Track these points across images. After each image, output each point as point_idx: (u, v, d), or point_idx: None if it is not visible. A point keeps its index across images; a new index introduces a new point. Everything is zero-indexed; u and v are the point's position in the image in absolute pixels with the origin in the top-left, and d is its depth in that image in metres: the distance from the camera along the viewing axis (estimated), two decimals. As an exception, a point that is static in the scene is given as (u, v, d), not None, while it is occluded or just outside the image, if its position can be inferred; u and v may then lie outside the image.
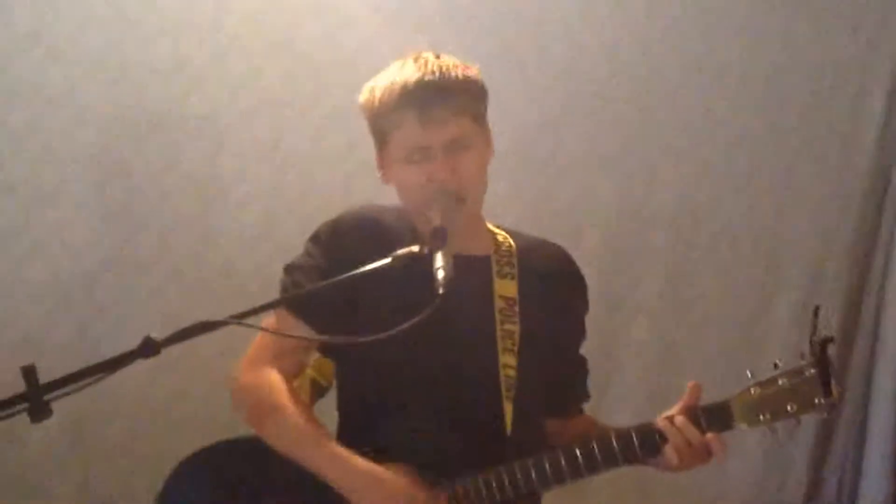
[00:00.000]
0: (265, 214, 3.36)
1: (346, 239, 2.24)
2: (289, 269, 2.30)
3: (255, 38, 3.32)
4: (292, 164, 3.37)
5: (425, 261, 1.97)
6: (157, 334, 1.78)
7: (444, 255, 1.97)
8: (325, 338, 2.17)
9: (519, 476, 2.15)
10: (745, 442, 3.56)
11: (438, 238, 2.00)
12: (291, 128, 3.36)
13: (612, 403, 3.47)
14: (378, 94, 2.22)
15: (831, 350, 2.10)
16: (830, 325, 2.11)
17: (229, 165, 3.33)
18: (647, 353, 3.57)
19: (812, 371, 2.10)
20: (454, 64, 2.23)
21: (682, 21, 3.56)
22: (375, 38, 3.36)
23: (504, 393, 2.21)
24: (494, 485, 2.15)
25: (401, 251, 1.97)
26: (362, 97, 2.27)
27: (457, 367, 2.20)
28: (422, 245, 1.99)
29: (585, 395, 2.44)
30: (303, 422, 2.16)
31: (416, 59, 2.22)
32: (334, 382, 2.37)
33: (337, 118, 3.36)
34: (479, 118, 2.25)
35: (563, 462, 2.15)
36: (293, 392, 2.23)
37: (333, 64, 3.35)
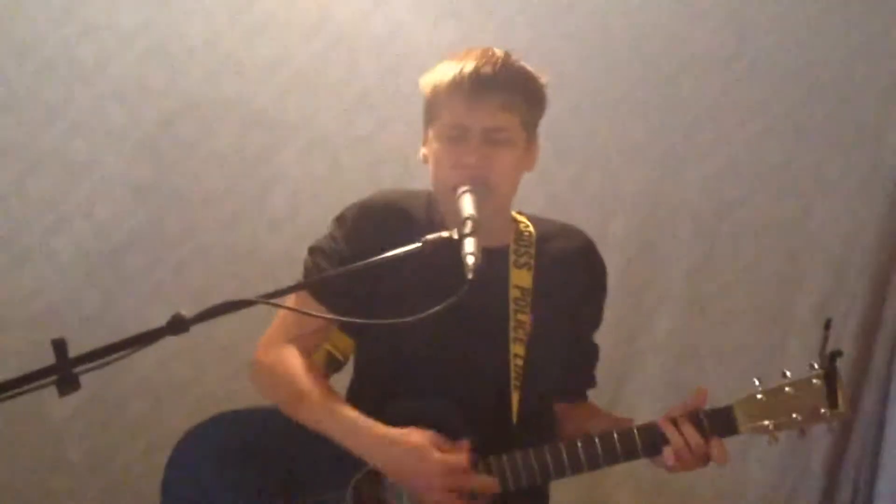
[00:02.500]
0: (292, 195, 3.36)
1: (370, 223, 2.28)
2: (312, 250, 2.34)
3: (288, 19, 3.32)
4: (320, 146, 3.38)
5: (452, 246, 1.98)
6: (184, 311, 1.79)
7: (475, 242, 1.98)
8: (349, 319, 2.19)
9: (522, 468, 2.18)
10: (761, 445, 3.55)
11: (469, 225, 2.01)
12: (321, 110, 3.36)
13: (632, 395, 3.49)
14: (438, 75, 2.25)
15: (839, 363, 2.12)
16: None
17: (257, 146, 3.34)
18: (667, 344, 3.56)
19: (819, 382, 2.12)
20: (519, 66, 2.27)
21: (713, 13, 3.54)
22: (407, 22, 3.37)
23: (512, 382, 2.25)
24: (500, 474, 2.18)
25: (431, 236, 1.98)
26: (425, 77, 2.30)
27: (469, 354, 2.25)
28: (452, 231, 2.01)
29: (591, 383, 2.49)
30: (320, 393, 2.21)
31: (484, 51, 2.26)
32: (350, 359, 2.42)
33: (367, 101, 3.37)
34: (528, 124, 2.28)
35: (563, 456, 2.19)
36: (311, 365, 2.28)
37: (365, 47, 3.36)
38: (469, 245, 1.97)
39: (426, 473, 2.14)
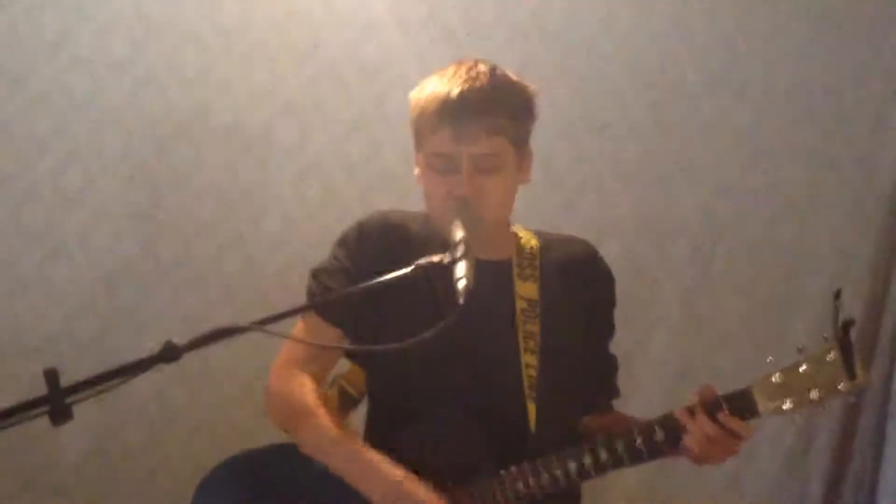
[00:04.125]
0: (286, 221, 3.37)
1: (372, 242, 2.28)
2: (316, 273, 2.33)
3: (280, 46, 3.33)
4: (314, 172, 3.38)
5: (449, 268, 1.98)
6: (178, 338, 1.79)
7: (467, 265, 1.97)
8: (348, 346, 2.22)
9: (542, 472, 2.17)
10: (763, 451, 3.55)
11: (461, 249, 2.01)
12: (313, 135, 3.37)
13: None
14: (424, 96, 2.23)
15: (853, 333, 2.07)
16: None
17: (251, 172, 3.35)
18: (664, 366, 3.56)
19: (834, 354, 2.06)
20: (505, 82, 2.24)
21: (704, 35, 3.55)
22: (399, 48, 3.38)
23: (527, 392, 2.25)
24: (519, 483, 2.17)
25: (422, 260, 1.98)
26: (414, 93, 2.28)
27: (481, 369, 2.24)
28: (444, 254, 2.00)
29: (614, 392, 2.47)
30: (334, 428, 2.19)
31: (469, 69, 2.22)
32: (364, 393, 2.40)
33: (359, 126, 3.38)
34: (519, 141, 2.26)
35: (586, 459, 2.17)
36: (323, 398, 2.26)
37: (356, 73, 3.37)
38: (460, 269, 1.96)
39: None
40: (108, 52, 3.24)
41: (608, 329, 2.44)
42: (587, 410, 2.41)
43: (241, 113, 3.33)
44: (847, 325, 2.06)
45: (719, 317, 3.60)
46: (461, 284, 1.93)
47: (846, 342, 2.05)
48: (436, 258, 1.99)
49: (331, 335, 2.26)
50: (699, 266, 3.59)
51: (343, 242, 2.33)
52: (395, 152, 3.34)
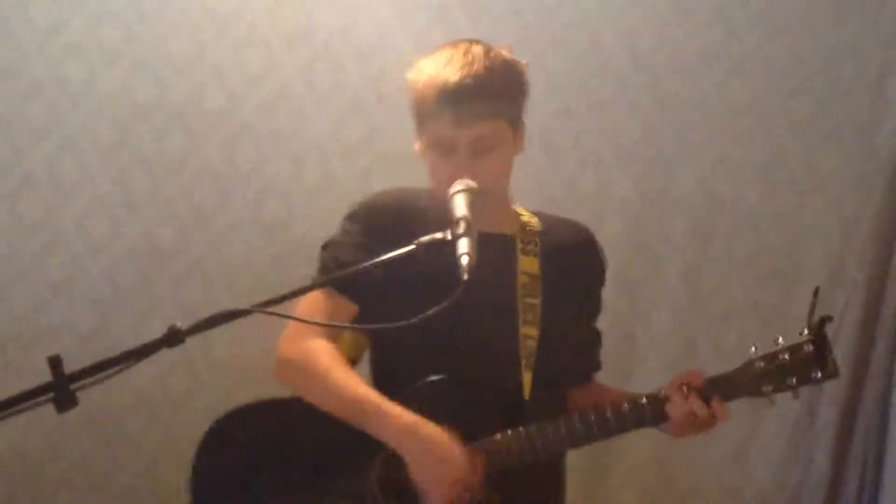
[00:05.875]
0: (284, 206, 3.36)
1: (382, 217, 2.34)
2: (328, 246, 2.38)
3: (273, 30, 3.32)
4: (311, 156, 3.37)
5: (452, 244, 2.02)
6: (180, 324, 1.78)
7: (469, 242, 2.00)
8: (353, 326, 2.31)
9: (537, 438, 2.27)
10: (768, 426, 3.55)
11: (462, 226, 2.03)
12: (309, 120, 3.36)
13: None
14: (422, 82, 2.31)
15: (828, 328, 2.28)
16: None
17: (248, 157, 3.34)
18: (667, 342, 3.55)
19: (811, 347, 2.27)
20: (501, 63, 2.31)
21: (700, 10, 3.53)
22: (393, 30, 3.36)
23: (523, 362, 2.33)
24: (517, 446, 2.26)
25: (425, 238, 2.02)
26: (411, 75, 2.35)
27: (481, 336, 2.32)
28: (446, 232, 2.03)
29: (597, 365, 2.57)
30: (349, 376, 2.27)
31: (464, 53, 2.29)
32: (355, 360, 2.44)
33: (355, 110, 3.37)
34: (514, 120, 2.35)
35: (577, 427, 2.28)
36: (339, 353, 2.32)
37: (351, 56, 3.35)
38: (463, 246, 2.00)
39: (442, 477, 2.20)
40: (101, 39, 3.23)
41: (597, 308, 2.55)
42: (572, 382, 2.51)
43: (236, 97, 3.31)
44: (823, 321, 2.28)
45: (721, 292, 3.60)
46: (464, 261, 1.97)
47: (821, 337, 2.28)
48: (438, 235, 2.02)
49: (344, 306, 2.31)
50: (700, 241, 3.58)
51: (354, 216, 2.38)
52: (392, 134, 3.32)
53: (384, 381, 2.36)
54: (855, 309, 3.52)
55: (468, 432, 2.25)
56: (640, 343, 3.52)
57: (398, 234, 2.09)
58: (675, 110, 3.54)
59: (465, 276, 1.95)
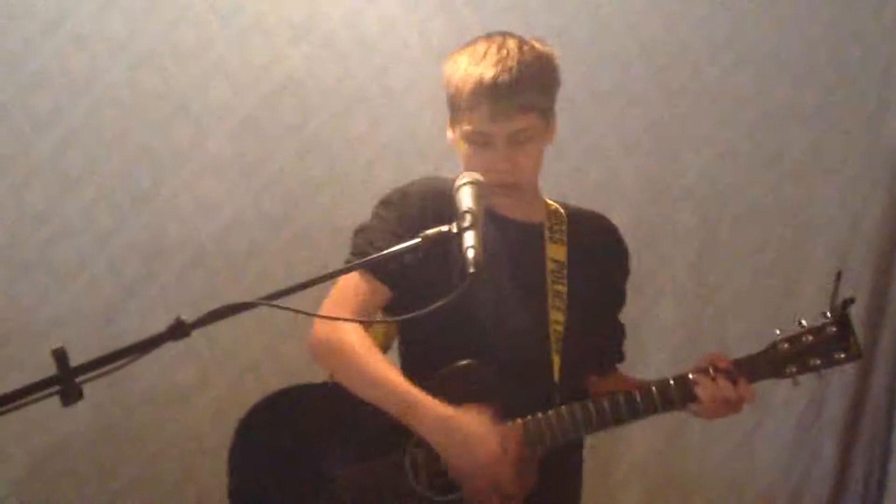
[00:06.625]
0: (288, 198, 3.34)
1: (415, 205, 2.38)
2: (361, 230, 2.43)
3: (278, 21, 3.30)
4: (315, 148, 3.36)
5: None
6: (185, 317, 1.78)
7: (475, 235, 2.01)
8: (381, 320, 2.39)
9: (571, 418, 2.33)
10: (774, 427, 3.55)
11: (468, 219, 2.04)
12: (315, 111, 3.35)
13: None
14: (457, 77, 2.37)
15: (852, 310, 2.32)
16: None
17: (252, 149, 3.32)
18: (673, 333, 3.56)
19: (833, 329, 2.32)
20: (534, 56, 2.37)
21: (707, 0, 3.53)
22: (397, 20, 3.36)
23: (553, 346, 2.40)
24: (555, 424, 2.33)
25: (430, 231, 2.02)
26: (447, 68, 2.41)
27: (511, 321, 2.38)
28: (451, 225, 2.04)
29: (621, 356, 2.64)
30: (384, 364, 2.32)
31: (499, 48, 2.35)
32: (385, 347, 2.50)
33: (360, 101, 3.36)
34: (547, 111, 2.42)
35: (606, 408, 2.35)
36: (371, 338, 2.37)
37: (356, 46, 3.34)
38: (469, 239, 2.01)
39: (478, 470, 2.26)
40: (106, 30, 3.21)
41: (622, 299, 2.62)
42: (597, 371, 2.58)
43: (240, 89, 3.30)
44: (846, 303, 2.33)
45: (727, 283, 3.61)
46: (471, 254, 1.98)
47: (844, 318, 2.33)
48: (444, 228, 2.03)
49: (381, 290, 2.36)
50: (706, 232, 3.58)
51: (387, 203, 2.42)
52: (397, 126, 3.33)
53: (415, 366, 2.41)
54: (861, 299, 3.51)
55: (503, 413, 2.31)
56: (646, 334, 3.52)
57: (432, 222, 2.10)
58: (681, 101, 3.54)
59: (472, 269, 1.96)
